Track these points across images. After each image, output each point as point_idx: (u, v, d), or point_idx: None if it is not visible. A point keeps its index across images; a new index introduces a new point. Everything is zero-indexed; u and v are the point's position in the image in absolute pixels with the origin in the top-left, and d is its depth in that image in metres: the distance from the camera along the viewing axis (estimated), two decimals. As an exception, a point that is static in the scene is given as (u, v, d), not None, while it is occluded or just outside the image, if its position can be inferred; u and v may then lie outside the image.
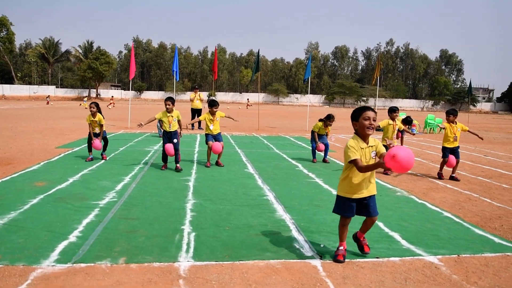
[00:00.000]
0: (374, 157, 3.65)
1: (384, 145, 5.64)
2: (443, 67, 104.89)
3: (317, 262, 3.61)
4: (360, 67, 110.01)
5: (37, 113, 25.67)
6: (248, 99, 73.10)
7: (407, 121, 8.97)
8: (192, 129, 16.76)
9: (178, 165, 7.85)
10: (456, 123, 7.87)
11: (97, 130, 8.60)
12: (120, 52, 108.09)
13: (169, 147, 7.69)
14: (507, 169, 9.18)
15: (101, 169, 7.71)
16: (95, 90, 74.89)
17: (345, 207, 3.67)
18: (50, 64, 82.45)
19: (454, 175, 7.80)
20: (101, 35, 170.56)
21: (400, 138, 8.77)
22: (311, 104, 74.93)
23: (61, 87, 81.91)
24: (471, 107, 79.44)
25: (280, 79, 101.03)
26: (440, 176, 7.86)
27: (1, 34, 67.92)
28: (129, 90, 24.07)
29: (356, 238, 3.90)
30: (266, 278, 3.26)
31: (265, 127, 19.59)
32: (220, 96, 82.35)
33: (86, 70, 67.55)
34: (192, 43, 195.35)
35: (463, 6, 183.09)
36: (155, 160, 8.79)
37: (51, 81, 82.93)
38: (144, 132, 15.13)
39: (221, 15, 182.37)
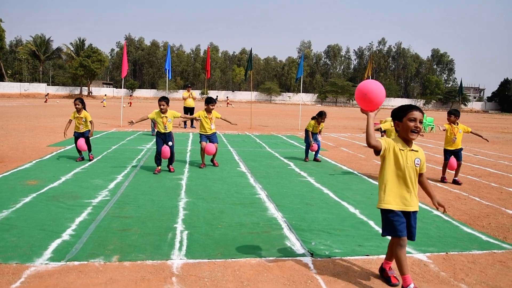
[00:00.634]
0: (417, 165, 3.09)
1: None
2: (435, 67, 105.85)
3: (308, 260, 3.66)
4: (353, 66, 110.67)
5: (28, 111, 25.45)
6: (227, 97, 73.48)
7: None
8: (185, 127, 16.74)
9: (171, 166, 7.63)
10: (457, 124, 7.48)
11: (81, 129, 8.23)
12: (112, 50, 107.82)
13: (165, 150, 7.28)
14: (496, 168, 9.33)
15: (93, 167, 7.70)
16: (86, 88, 74.38)
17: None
18: (41, 62, 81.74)
19: (456, 178, 7.48)
20: (93, 32, 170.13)
21: None
22: (303, 102, 75.28)
23: (52, 85, 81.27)
24: (462, 106, 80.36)
25: (272, 77, 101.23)
26: (442, 180, 7.60)
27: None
28: (121, 88, 23.93)
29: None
30: (258, 276, 3.31)
31: (257, 126, 19.63)
32: (212, 95, 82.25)
33: (77, 67, 67.11)
34: (185, 41, 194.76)
35: (455, 6, 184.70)
36: (148, 159, 8.78)
37: (42, 78, 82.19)
38: (137, 130, 15.09)
39: (214, 13, 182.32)
